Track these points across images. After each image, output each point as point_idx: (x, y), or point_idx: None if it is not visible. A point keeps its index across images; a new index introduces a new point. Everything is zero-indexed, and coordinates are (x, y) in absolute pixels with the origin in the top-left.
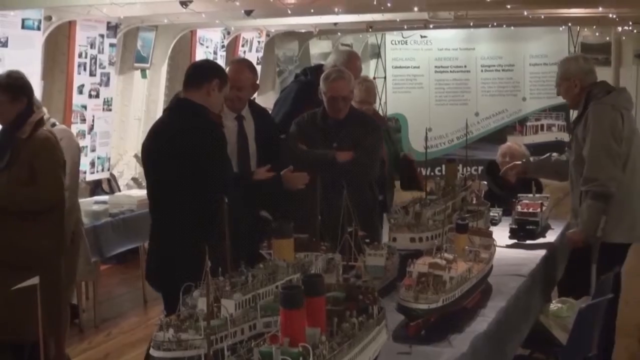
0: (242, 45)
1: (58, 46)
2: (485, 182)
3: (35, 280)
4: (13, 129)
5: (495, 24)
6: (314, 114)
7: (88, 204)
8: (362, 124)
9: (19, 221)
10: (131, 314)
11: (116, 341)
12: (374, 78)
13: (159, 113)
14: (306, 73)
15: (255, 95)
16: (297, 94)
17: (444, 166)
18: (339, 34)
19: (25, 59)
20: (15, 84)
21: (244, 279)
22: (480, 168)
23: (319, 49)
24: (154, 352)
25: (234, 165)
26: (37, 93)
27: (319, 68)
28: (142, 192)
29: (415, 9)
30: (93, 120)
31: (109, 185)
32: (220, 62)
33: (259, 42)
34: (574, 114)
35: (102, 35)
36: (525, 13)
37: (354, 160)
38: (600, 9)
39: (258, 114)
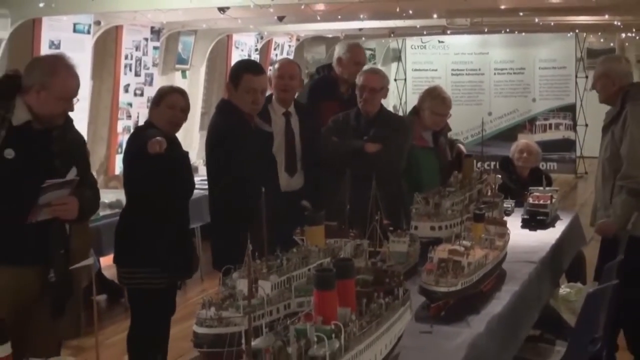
0: (274, 49)
1: (106, 49)
2: (500, 176)
3: (90, 260)
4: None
5: (508, 30)
6: (348, 114)
7: None
8: (392, 124)
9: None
10: None
11: None
12: (395, 80)
13: (197, 110)
14: (319, 71)
15: None
16: (312, 88)
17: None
18: (363, 38)
19: (76, 60)
20: None
21: (279, 262)
22: (493, 163)
23: None
24: (197, 329)
25: (282, 160)
26: (87, 92)
27: (329, 65)
28: None
29: (435, 16)
30: (138, 117)
31: None
32: None
33: (289, 46)
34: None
35: (146, 39)
36: (537, 20)
37: (382, 152)
38: (606, 16)
39: (302, 112)
